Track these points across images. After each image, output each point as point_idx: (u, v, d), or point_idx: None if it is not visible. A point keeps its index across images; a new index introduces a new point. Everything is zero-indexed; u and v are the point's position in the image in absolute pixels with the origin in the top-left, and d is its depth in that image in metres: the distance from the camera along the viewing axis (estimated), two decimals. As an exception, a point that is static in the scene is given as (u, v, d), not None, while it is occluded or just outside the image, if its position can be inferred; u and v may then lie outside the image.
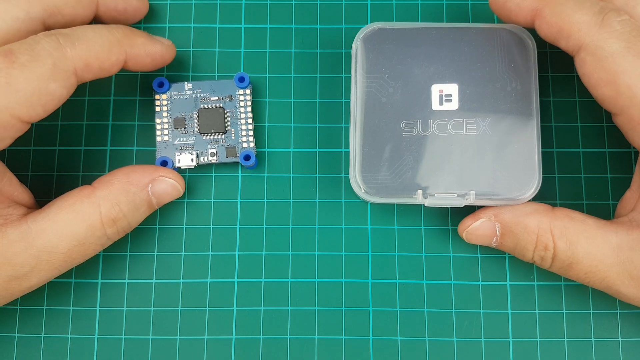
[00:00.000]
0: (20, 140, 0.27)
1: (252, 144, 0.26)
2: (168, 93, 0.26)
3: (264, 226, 0.27)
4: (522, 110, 0.24)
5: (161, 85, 0.26)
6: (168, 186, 0.25)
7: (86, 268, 0.26)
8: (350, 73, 0.27)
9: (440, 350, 0.26)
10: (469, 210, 0.25)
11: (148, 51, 0.24)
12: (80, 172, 0.27)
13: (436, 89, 0.24)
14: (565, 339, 0.26)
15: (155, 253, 0.26)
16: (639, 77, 0.20)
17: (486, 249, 0.26)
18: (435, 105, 0.24)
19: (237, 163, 0.27)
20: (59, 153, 0.27)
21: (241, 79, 0.26)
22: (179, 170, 0.26)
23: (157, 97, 0.27)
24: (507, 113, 0.24)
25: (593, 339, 0.26)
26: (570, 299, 0.26)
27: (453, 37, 0.25)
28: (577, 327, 0.26)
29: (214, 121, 0.26)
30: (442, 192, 0.24)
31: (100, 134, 0.27)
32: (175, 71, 0.28)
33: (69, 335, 0.26)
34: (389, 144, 0.24)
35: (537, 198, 0.24)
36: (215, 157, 0.26)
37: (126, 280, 0.26)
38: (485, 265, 0.26)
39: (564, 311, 0.26)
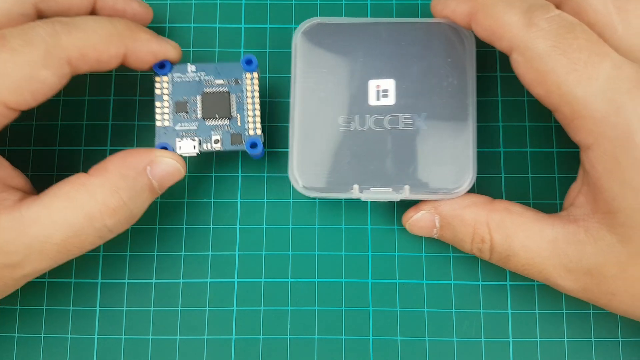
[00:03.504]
0: (20, 140, 0.27)
1: (259, 131, 0.25)
2: (169, 75, 0.25)
3: (264, 226, 0.27)
4: (457, 105, 0.24)
5: (162, 66, 0.25)
6: (168, 166, 0.23)
7: (86, 268, 0.26)
8: None
9: (440, 350, 0.26)
10: None
11: (151, 49, 0.23)
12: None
13: (373, 85, 0.25)
14: (565, 339, 0.26)
15: (155, 253, 0.26)
16: (566, 75, 0.20)
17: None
18: (372, 101, 0.24)
19: (241, 151, 0.25)
20: (59, 153, 0.27)
21: (248, 62, 0.25)
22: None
23: (157, 79, 0.25)
24: (443, 108, 0.24)
25: (593, 339, 0.26)
26: (570, 299, 0.26)
27: (392, 32, 0.25)
28: (577, 327, 0.26)
29: (219, 106, 0.24)
30: (378, 186, 0.24)
31: (100, 134, 0.27)
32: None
33: (69, 335, 0.26)
34: (327, 139, 0.24)
35: (480, 197, 0.24)
36: (219, 145, 0.24)
37: (126, 280, 0.26)
38: (485, 265, 0.26)
39: (564, 311, 0.26)
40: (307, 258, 0.26)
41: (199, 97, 0.25)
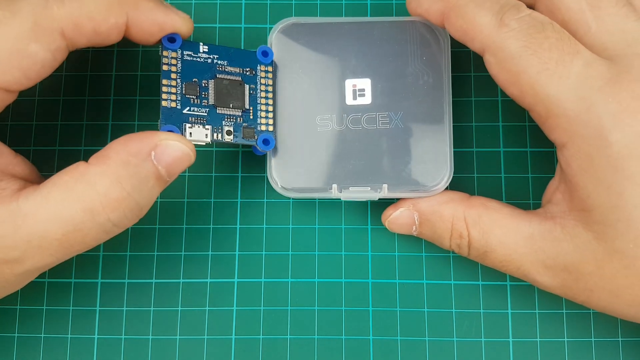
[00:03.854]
0: (20, 140, 0.27)
1: (271, 127, 0.24)
2: (178, 51, 0.22)
3: (264, 226, 0.27)
4: (433, 104, 0.24)
5: (172, 40, 0.22)
6: (175, 151, 0.21)
7: (86, 268, 0.26)
8: None
9: (440, 350, 0.26)
10: None
11: (156, 18, 0.21)
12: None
13: (350, 84, 0.25)
14: (565, 339, 0.26)
15: (155, 253, 0.26)
16: (538, 75, 0.20)
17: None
18: (349, 100, 0.24)
19: (250, 146, 0.24)
20: (59, 153, 0.27)
21: (264, 53, 0.24)
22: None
23: (165, 53, 0.22)
24: (419, 106, 0.24)
25: (593, 339, 0.26)
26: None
27: (367, 31, 0.25)
28: (577, 327, 0.26)
29: (233, 95, 0.23)
30: (357, 186, 0.24)
31: (100, 133, 0.27)
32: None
33: (69, 335, 0.26)
34: (304, 139, 0.24)
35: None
36: (231, 137, 0.23)
37: (126, 280, 0.26)
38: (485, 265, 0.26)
39: (564, 311, 0.26)
40: (307, 258, 0.26)
41: (212, 82, 0.23)
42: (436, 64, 0.24)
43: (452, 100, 0.27)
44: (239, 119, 0.23)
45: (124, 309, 0.26)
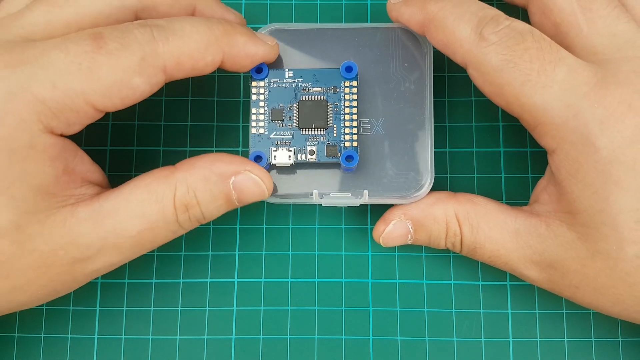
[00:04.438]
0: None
1: (355, 143, 0.24)
2: (266, 80, 0.24)
3: (264, 226, 0.27)
4: (415, 109, 0.24)
5: (259, 71, 0.24)
6: (252, 183, 0.22)
7: (86, 268, 0.26)
8: None
9: (440, 350, 0.26)
10: None
11: (248, 52, 0.22)
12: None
13: None
14: (565, 339, 0.26)
15: (155, 253, 0.26)
16: (522, 86, 0.20)
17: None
18: None
19: (336, 164, 0.24)
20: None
21: (348, 69, 0.24)
22: (273, 168, 0.24)
23: (253, 84, 0.24)
24: (400, 112, 0.24)
25: (593, 339, 0.26)
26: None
27: (349, 37, 0.25)
28: (577, 327, 0.26)
29: (316, 115, 0.23)
30: (338, 192, 0.24)
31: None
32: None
33: (69, 335, 0.26)
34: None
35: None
36: (314, 156, 0.23)
37: (126, 280, 0.26)
38: (485, 265, 0.26)
39: (564, 311, 0.26)
40: (307, 258, 0.26)
41: (295, 105, 0.24)
42: (418, 69, 0.24)
43: (451, 101, 0.27)
44: (322, 137, 0.24)
45: (124, 309, 0.26)
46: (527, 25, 0.21)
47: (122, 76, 0.20)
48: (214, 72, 0.28)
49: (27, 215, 0.19)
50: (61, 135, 0.20)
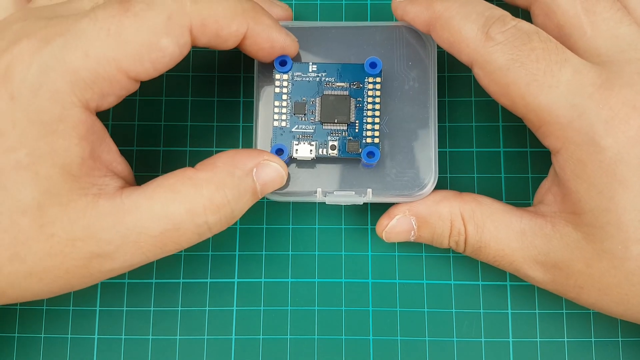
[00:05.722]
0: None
1: (376, 139, 0.23)
2: (290, 73, 0.24)
3: (264, 226, 0.27)
4: (419, 108, 0.24)
5: (283, 63, 0.24)
6: (273, 172, 0.22)
7: (86, 268, 0.26)
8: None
9: (440, 350, 0.26)
10: None
11: (271, 36, 0.22)
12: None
13: None
14: (565, 339, 0.26)
15: (155, 253, 0.26)
16: (527, 86, 0.20)
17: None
18: None
19: (357, 160, 0.24)
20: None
21: (373, 65, 0.23)
22: (293, 161, 0.24)
23: (277, 76, 0.24)
24: (404, 111, 0.24)
25: (593, 339, 0.26)
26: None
27: (353, 35, 0.25)
28: (577, 327, 0.26)
29: (338, 110, 0.23)
30: (341, 190, 0.24)
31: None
32: (175, 71, 0.28)
33: (69, 335, 0.26)
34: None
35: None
36: (335, 151, 0.23)
37: (126, 280, 0.26)
38: (485, 265, 0.26)
39: (564, 311, 0.26)
40: (307, 258, 0.26)
41: (318, 99, 0.24)
42: (422, 68, 0.24)
43: (452, 101, 0.27)
44: (344, 132, 0.24)
45: (124, 309, 0.26)
46: (533, 26, 0.21)
47: (149, 37, 0.19)
48: (214, 72, 0.28)
49: (49, 195, 0.19)
50: (96, 110, 0.20)
